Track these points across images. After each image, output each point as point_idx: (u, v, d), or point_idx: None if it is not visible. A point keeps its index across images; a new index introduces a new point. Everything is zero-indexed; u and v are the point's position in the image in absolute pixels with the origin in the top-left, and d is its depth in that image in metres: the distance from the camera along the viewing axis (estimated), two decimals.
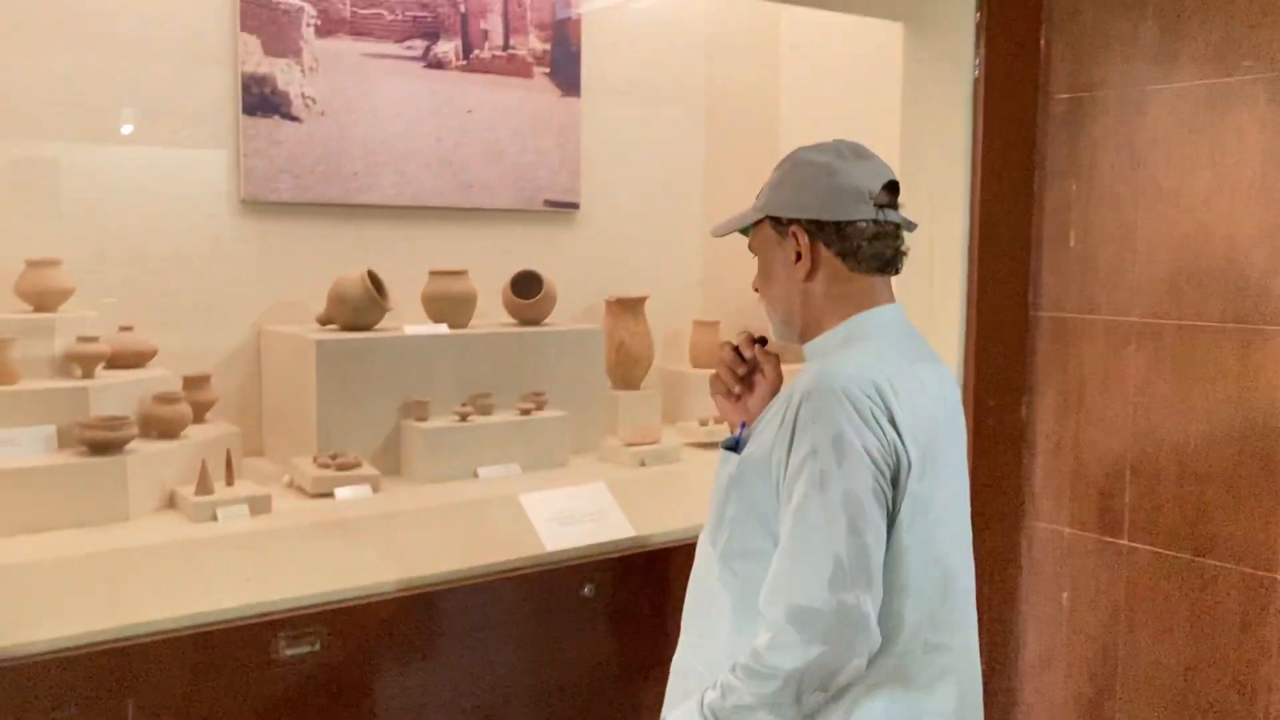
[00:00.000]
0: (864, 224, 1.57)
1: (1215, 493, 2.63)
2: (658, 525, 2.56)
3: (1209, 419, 2.64)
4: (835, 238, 1.58)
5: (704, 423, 3.21)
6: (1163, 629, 2.74)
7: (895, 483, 1.48)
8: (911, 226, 1.63)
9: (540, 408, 2.91)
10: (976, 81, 2.86)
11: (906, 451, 1.48)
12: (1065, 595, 2.96)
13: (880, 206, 1.58)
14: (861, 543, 1.42)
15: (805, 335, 1.65)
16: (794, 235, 1.60)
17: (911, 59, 3.03)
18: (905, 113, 3.03)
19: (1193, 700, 2.69)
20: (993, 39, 2.84)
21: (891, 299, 1.65)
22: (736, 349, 1.75)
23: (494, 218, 3.33)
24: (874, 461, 1.44)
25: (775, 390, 1.72)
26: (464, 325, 2.99)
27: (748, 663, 1.45)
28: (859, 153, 1.63)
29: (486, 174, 3.27)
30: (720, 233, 1.74)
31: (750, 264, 1.72)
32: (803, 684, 1.40)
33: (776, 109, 3.95)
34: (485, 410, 2.84)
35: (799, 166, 1.64)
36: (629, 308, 3.32)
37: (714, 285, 3.82)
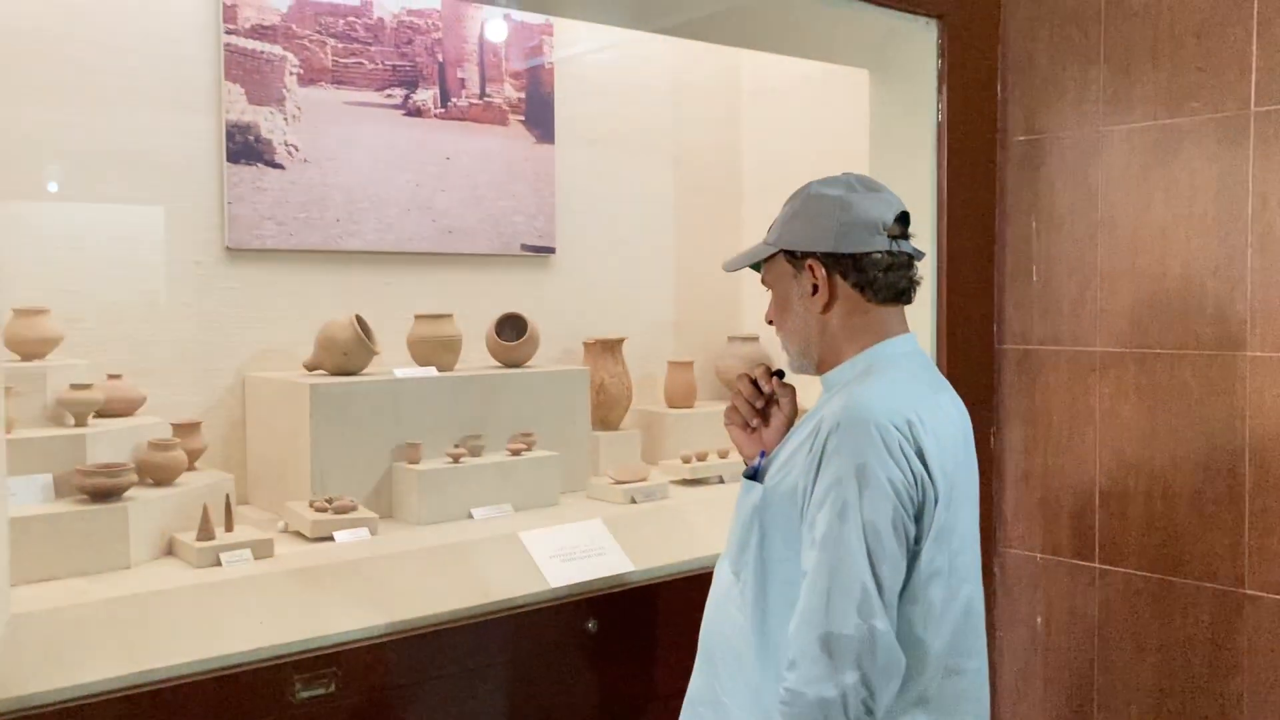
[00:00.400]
0: (879, 255, 1.60)
1: (1182, 513, 2.73)
2: (655, 559, 2.60)
3: (1173, 442, 2.75)
4: (852, 270, 1.61)
5: (687, 460, 3.26)
6: (1137, 649, 2.83)
7: (920, 516, 1.49)
8: (921, 255, 1.67)
9: (530, 448, 2.94)
10: (940, 126, 2.97)
11: (934, 483, 1.49)
12: (1040, 619, 3.04)
13: (893, 238, 1.61)
14: (880, 574, 1.43)
15: (823, 366, 1.67)
16: (810, 268, 1.62)
17: (878, 104, 3.15)
18: (873, 156, 3.14)
19: (1168, 718, 2.78)
20: (954, 85, 2.97)
21: (906, 329, 1.68)
22: (754, 382, 1.76)
23: (473, 262, 3.37)
24: (896, 494, 1.45)
25: (791, 422, 1.74)
26: (450, 368, 3.02)
27: (786, 704, 1.43)
28: (870, 185, 1.66)
29: (465, 219, 3.31)
30: (733, 267, 1.76)
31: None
32: (847, 712, 1.40)
33: (739, 155, 4.07)
34: (476, 451, 2.86)
35: (812, 200, 1.65)
36: (608, 349, 3.37)
37: (686, 326, 3.89)
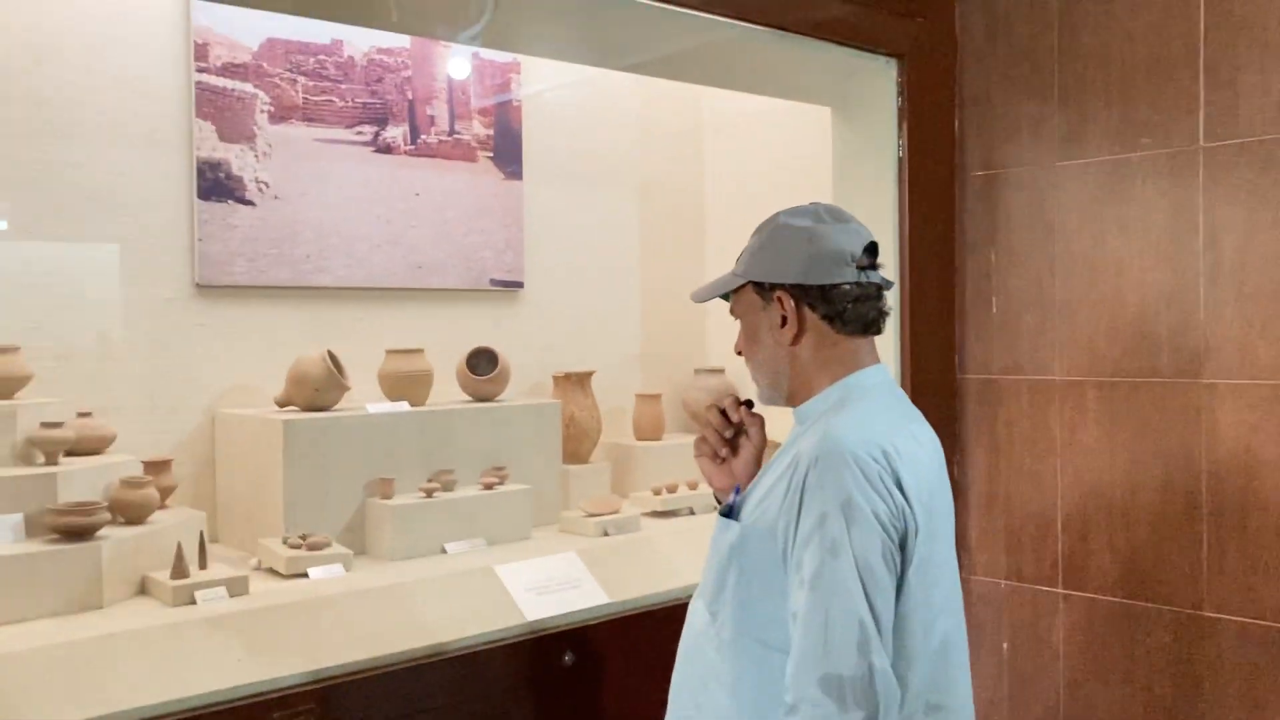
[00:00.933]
0: (848, 286, 1.58)
1: (1143, 538, 2.80)
2: (630, 591, 2.61)
3: (1132, 468, 2.82)
4: (820, 301, 1.59)
5: (658, 492, 3.28)
6: (1102, 673, 2.88)
7: (903, 547, 1.48)
8: (889, 285, 1.66)
9: (503, 481, 2.95)
10: (900, 161, 3.04)
11: (914, 515, 1.49)
12: (1005, 645, 3.09)
13: (862, 269, 1.60)
14: (876, 608, 1.42)
15: (794, 399, 1.66)
16: (779, 300, 1.60)
17: (840, 141, 3.22)
18: (836, 190, 3.21)
19: None
20: (913, 122, 3.04)
21: (876, 359, 1.67)
22: (724, 412, 1.75)
23: (443, 297, 3.38)
24: (883, 527, 1.45)
25: (760, 452, 1.74)
26: (422, 402, 3.03)
27: None
28: (837, 215, 1.65)
29: (435, 254, 3.33)
30: (700, 298, 1.74)
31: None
32: None
33: (701, 188, 4.13)
34: (449, 486, 2.86)
35: (780, 231, 1.64)
36: (578, 382, 3.40)
37: (653, 360, 3.93)
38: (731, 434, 1.75)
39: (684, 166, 4.09)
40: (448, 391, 3.20)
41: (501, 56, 3.46)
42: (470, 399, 3.18)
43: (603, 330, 3.77)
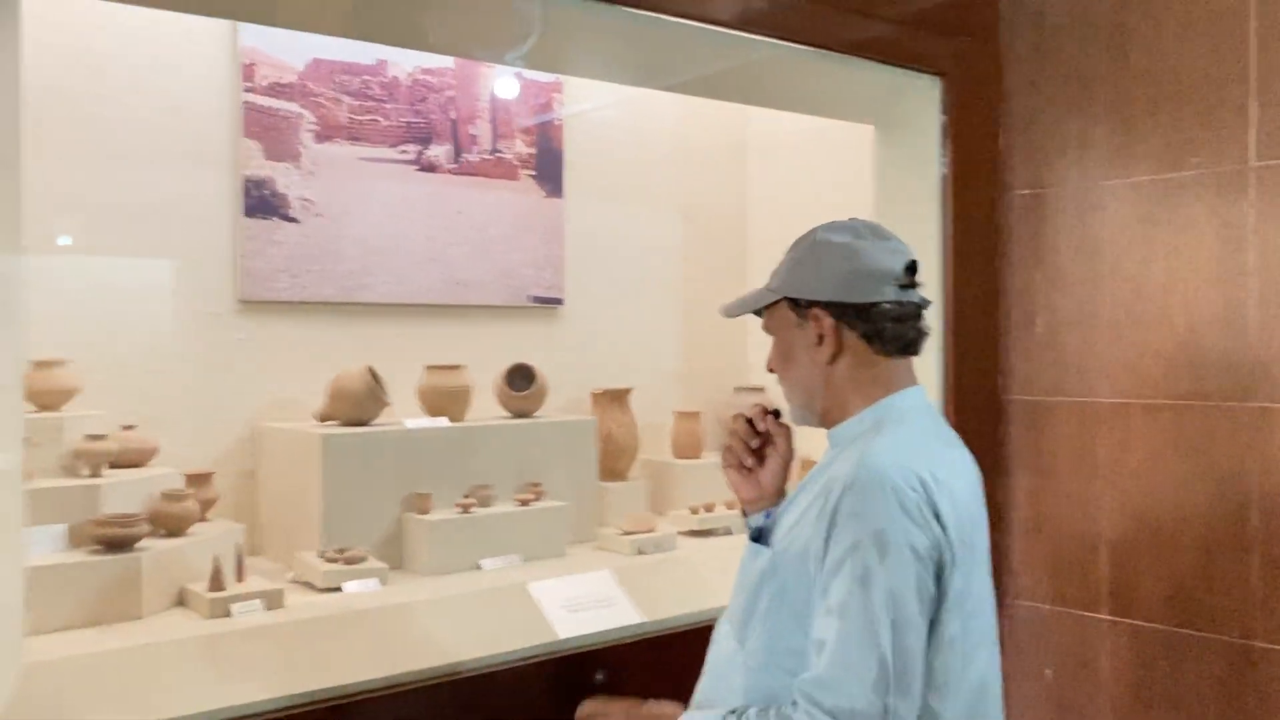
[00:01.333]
0: (888, 305, 1.53)
1: (1192, 564, 2.72)
2: (663, 611, 2.59)
3: (1181, 493, 2.75)
4: (859, 320, 1.54)
5: (695, 510, 3.27)
6: (1147, 702, 2.81)
7: (939, 579, 1.43)
8: (927, 304, 1.62)
9: (539, 498, 2.95)
10: (945, 179, 3.01)
11: (951, 546, 1.44)
12: (1049, 671, 3.03)
13: (902, 287, 1.55)
14: (904, 644, 1.37)
15: (828, 420, 1.60)
16: (816, 317, 1.55)
17: (883, 159, 3.19)
18: (880, 210, 3.17)
19: None
20: (957, 140, 3.00)
21: (914, 381, 1.62)
22: (750, 421, 1.71)
23: (483, 313, 3.41)
24: (919, 558, 1.39)
25: (787, 463, 1.70)
26: (460, 418, 3.04)
27: None
28: (877, 232, 1.60)
29: (476, 271, 3.36)
30: (732, 313, 1.69)
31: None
32: None
33: (744, 208, 4.12)
34: (485, 502, 2.87)
35: (818, 246, 1.59)
36: (615, 399, 3.40)
37: (693, 376, 3.92)
38: (758, 444, 1.71)
39: (727, 184, 4.08)
40: (488, 407, 3.22)
41: (544, 76, 3.49)
42: (509, 414, 3.19)
43: (642, 347, 3.78)
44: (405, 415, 3.02)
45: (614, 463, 3.35)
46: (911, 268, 1.58)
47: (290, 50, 3.00)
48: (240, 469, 2.97)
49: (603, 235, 3.71)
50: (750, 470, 1.71)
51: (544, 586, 2.52)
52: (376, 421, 2.91)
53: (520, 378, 3.15)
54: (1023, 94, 3.08)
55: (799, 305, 1.58)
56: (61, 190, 2.72)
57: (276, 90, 2.99)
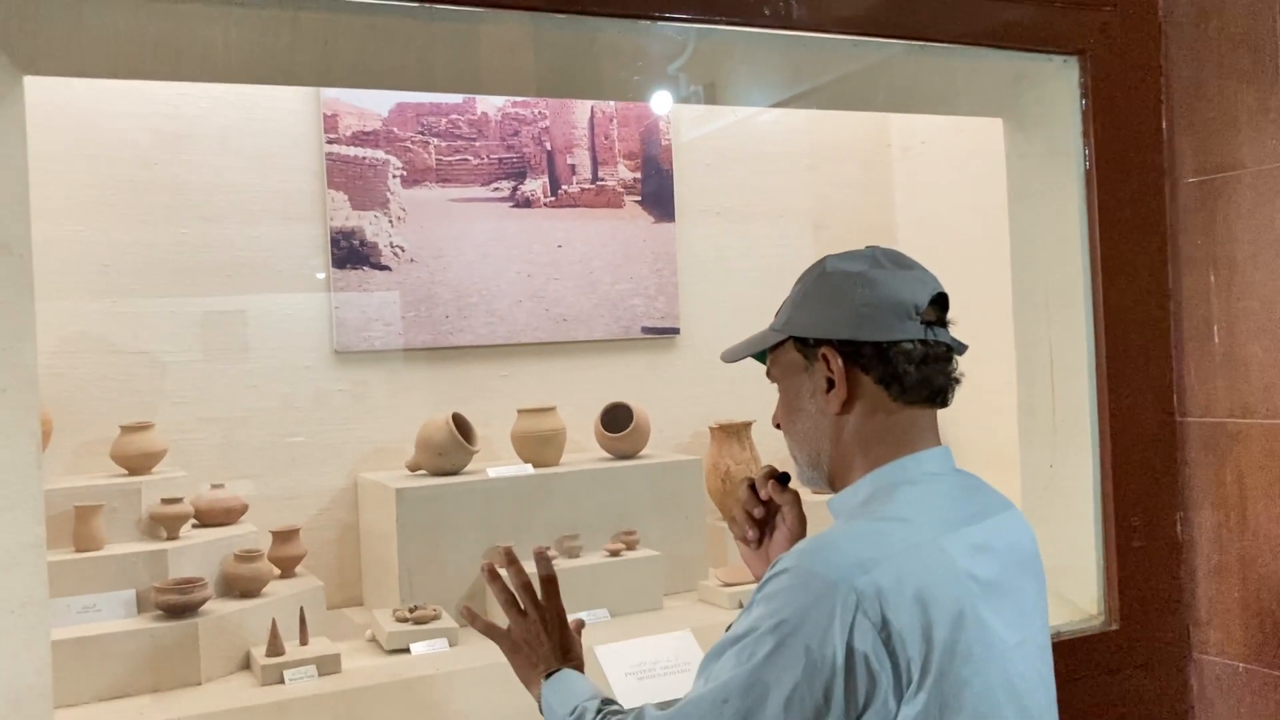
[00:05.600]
0: (910, 345, 1.30)
1: None
2: None
3: None
4: (875, 361, 1.31)
5: None
6: None
7: (868, 704, 1.17)
8: (962, 349, 1.35)
9: (631, 547, 2.79)
10: (1088, 172, 2.64)
11: (895, 662, 1.18)
12: None
13: (928, 324, 1.32)
14: None
15: (835, 483, 1.36)
16: (824, 359, 1.32)
17: (1014, 154, 2.84)
18: (1012, 211, 2.83)
19: None
20: (1103, 126, 2.62)
21: (937, 440, 1.35)
22: (753, 486, 1.50)
23: (590, 349, 3.28)
24: (811, 668, 1.16)
25: (797, 537, 1.46)
26: (554, 462, 2.93)
27: None
28: (898, 261, 1.36)
29: (580, 306, 3.23)
30: (731, 358, 1.47)
31: None
32: None
33: (891, 214, 3.79)
34: (572, 553, 2.74)
35: (827, 278, 1.36)
36: (733, 433, 3.17)
37: None
38: (762, 514, 1.50)
39: (868, 192, 3.76)
40: (593, 448, 3.09)
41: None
42: (609, 456, 3.04)
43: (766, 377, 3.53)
44: (504, 461, 2.94)
45: (731, 501, 3.13)
46: (940, 301, 1.34)
47: (373, 98, 2.99)
48: (341, 521, 2.98)
49: (721, 258, 3.49)
50: (757, 544, 1.51)
51: (612, 650, 2.34)
52: (466, 470, 2.83)
53: (617, 418, 2.99)
54: (1186, 67, 2.64)
55: (806, 345, 1.35)
56: (151, 254, 2.81)
57: (360, 139, 2.98)
